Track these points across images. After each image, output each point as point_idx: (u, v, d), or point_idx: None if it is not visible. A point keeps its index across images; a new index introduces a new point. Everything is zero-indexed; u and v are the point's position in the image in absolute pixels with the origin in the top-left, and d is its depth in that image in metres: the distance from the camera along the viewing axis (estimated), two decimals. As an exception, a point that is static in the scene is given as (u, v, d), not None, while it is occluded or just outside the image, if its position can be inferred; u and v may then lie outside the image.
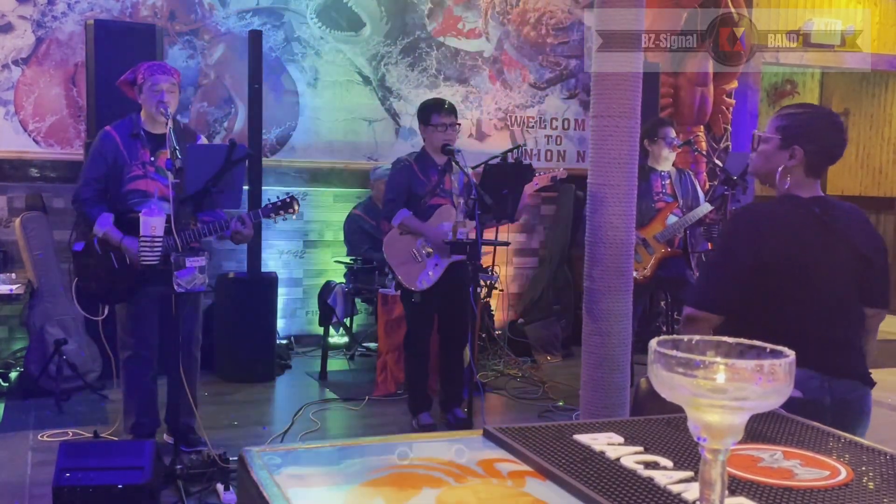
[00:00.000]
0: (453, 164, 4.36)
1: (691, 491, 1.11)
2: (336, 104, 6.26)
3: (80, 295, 3.83)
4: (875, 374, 2.54)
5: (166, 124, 3.59)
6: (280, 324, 5.97)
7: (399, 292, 4.54)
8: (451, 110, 4.38)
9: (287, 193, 3.88)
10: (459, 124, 4.55)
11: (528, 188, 4.58)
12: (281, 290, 5.75)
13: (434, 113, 4.33)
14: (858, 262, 2.39)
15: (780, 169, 2.42)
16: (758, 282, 2.31)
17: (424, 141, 4.43)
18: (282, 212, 3.77)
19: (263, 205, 3.86)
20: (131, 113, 3.89)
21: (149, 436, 3.85)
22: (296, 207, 3.80)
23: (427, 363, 4.55)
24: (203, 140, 4.01)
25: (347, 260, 5.56)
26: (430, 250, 4.32)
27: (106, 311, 3.90)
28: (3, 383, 5.11)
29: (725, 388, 0.81)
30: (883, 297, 2.54)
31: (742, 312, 2.36)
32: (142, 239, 3.55)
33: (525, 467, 1.22)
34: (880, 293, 2.52)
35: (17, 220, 5.11)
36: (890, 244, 8.56)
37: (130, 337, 3.84)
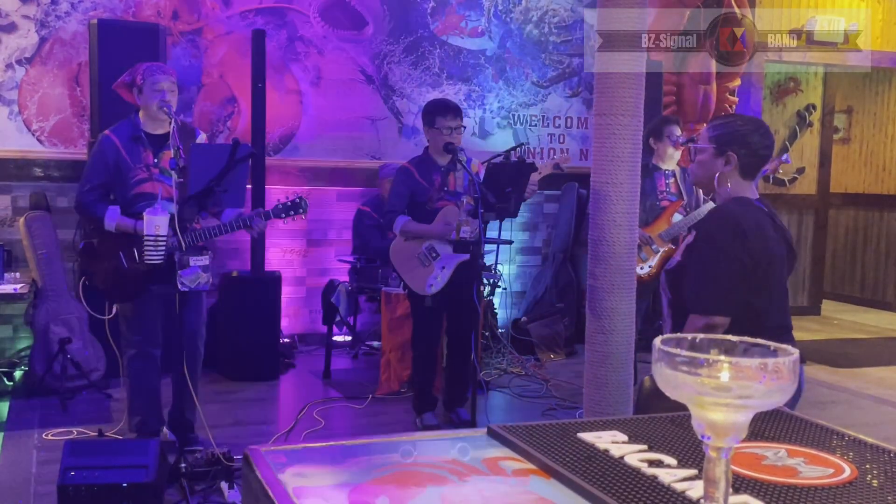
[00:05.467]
0: (457, 162, 4.36)
1: (695, 489, 1.11)
2: (339, 103, 6.26)
3: (87, 293, 3.84)
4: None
5: (169, 123, 3.58)
6: (283, 322, 5.98)
7: (406, 292, 4.53)
8: (457, 113, 4.33)
9: (296, 194, 3.87)
10: (465, 126, 4.53)
11: (534, 177, 4.61)
12: (284, 289, 5.76)
13: (439, 116, 4.28)
14: (791, 256, 2.61)
15: (717, 175, 2.59)
16: (743, 281, 2.46)
17: (428, 143, 4.41)
18: (292, 212, 3.76)
19: (274, 206, 3.84)
20: (129, 115, 3.88)
21: (153, 434, 3.86)
22: (304, 208, 3.79)
23: (434, 363, 4.55)
24: (202, 136, 4.00)
25: (351, 259, 5.57)
26: (437, 253, 4.30)
27: (114, 311, 3.91)
28: (7, 382, 5.12)
29: (730, 387, 0.82)
30: None
31: None
32: (146, 238, 3.55)
33: (529, 465, 1.23)
34: None
35: (22, 220, 5.12)
36: (893, 242, 8.56)
37: (136, 335, 3.84)
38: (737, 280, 2.43)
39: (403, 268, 4.33)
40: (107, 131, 3.83)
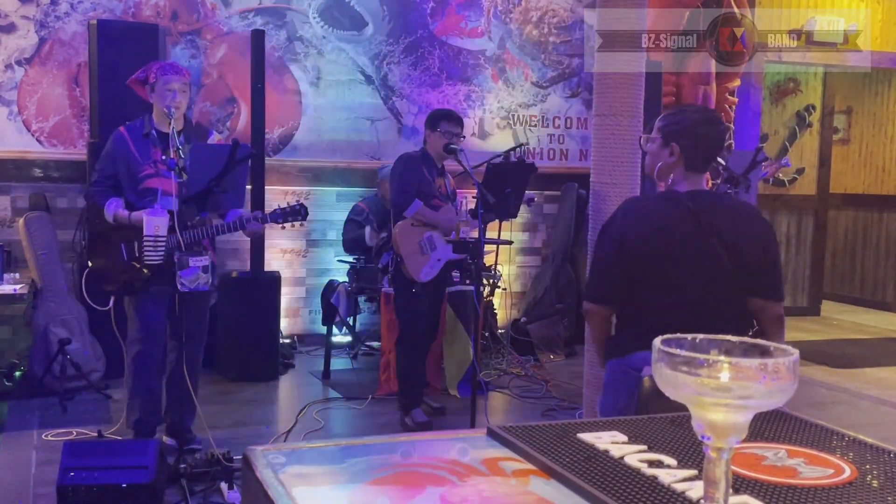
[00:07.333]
0: (445, 168, 4.52)
1: (695, 489, 1.11)
2: (338, 103, 6.27)
3: (89, 285, 3.85)
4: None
5: (169, 124, 3.61)
6: (283, 323, 5.97)
7: (393, 286, 4.58)
8: (460, 122, 4.49)
9: (297, 200, 3.89)
10: (464, 137, 4.63)
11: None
12: (284, 290, 5.75)
13: (444, 121, 4.43)
14: (732, 254, 2.47)
15: (658, 165, 2.57)
16: (625, 270, 2.49)
17: (427, 144, 4.50)
18: (290, 218, 3.79)
19: (273, 210, 3.87)
20: (143, 113, 3.92)
21: (150, 433, 3.87)
22: (304, 215, 3.82)
23: (424, 357, 4.59)
24: (216, 136, 4.04)
25: (350, 259, 5.57)
26: (435, 246, 4.39)
27: (111, 302, 3.91)
28: (7, 383, 5.11)
29: (729, 387, 0.81)
30: (771, 289, 2.59)
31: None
32: (145, 238, 3.56)
33: (529, 466, 1.23)
34: (768, 285, 2.57)
35: (21, 220, 5.12)
36: (893, 242, 8.57)
37: (139, 333, 3.85)
38: (614, 269, 2.49)
39: (406, 250, 4.39)
40: (121, 127, 3.89)
